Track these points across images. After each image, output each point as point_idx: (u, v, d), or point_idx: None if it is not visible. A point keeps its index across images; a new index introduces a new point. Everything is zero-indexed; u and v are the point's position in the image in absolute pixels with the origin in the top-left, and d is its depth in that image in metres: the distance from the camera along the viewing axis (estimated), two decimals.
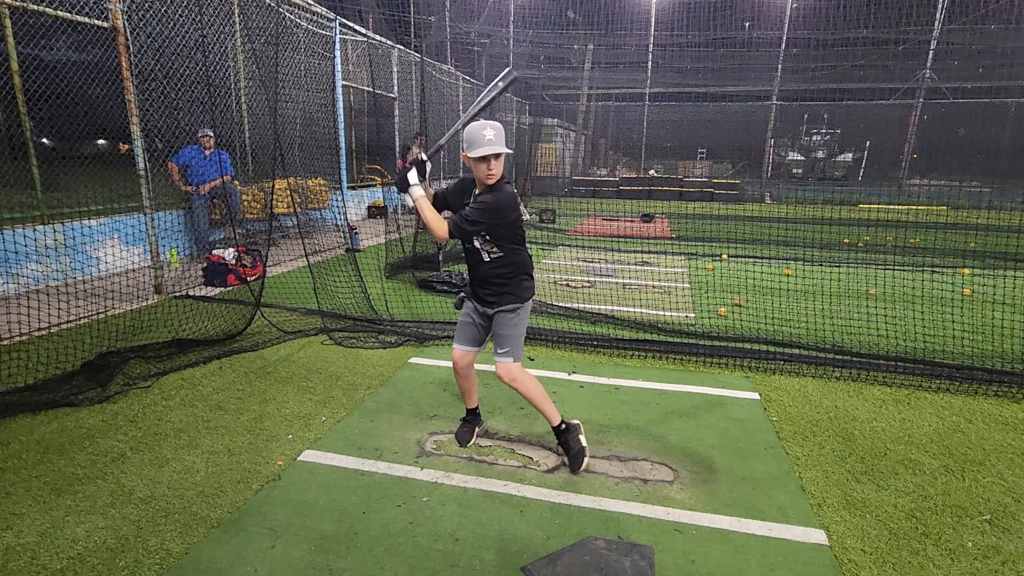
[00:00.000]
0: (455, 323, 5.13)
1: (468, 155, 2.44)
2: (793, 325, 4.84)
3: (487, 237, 2.56)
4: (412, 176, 2.56)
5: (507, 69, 2.72)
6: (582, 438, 2.76)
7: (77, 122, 5.81)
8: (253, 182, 8.50)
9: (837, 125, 21.90)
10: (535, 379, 2.74)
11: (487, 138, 2.39)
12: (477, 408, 3.04)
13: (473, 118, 2.54)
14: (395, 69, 12.11)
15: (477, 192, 2.57)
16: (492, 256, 2.60)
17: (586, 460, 2.71)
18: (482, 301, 2.70)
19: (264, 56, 5.85)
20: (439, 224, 2.50)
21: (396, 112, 12.36)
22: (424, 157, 2.60)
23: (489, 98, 2.64)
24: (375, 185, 12.57)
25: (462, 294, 2.88)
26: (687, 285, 6.61)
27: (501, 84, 2.66)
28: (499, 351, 2.67)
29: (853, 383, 3.78)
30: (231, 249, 6.33)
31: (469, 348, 2.80)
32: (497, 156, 2.43)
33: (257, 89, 8.15)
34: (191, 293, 5.76)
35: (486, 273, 2.64)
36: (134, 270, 6.30)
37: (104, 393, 3.40)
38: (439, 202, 2.67)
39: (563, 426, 2.75)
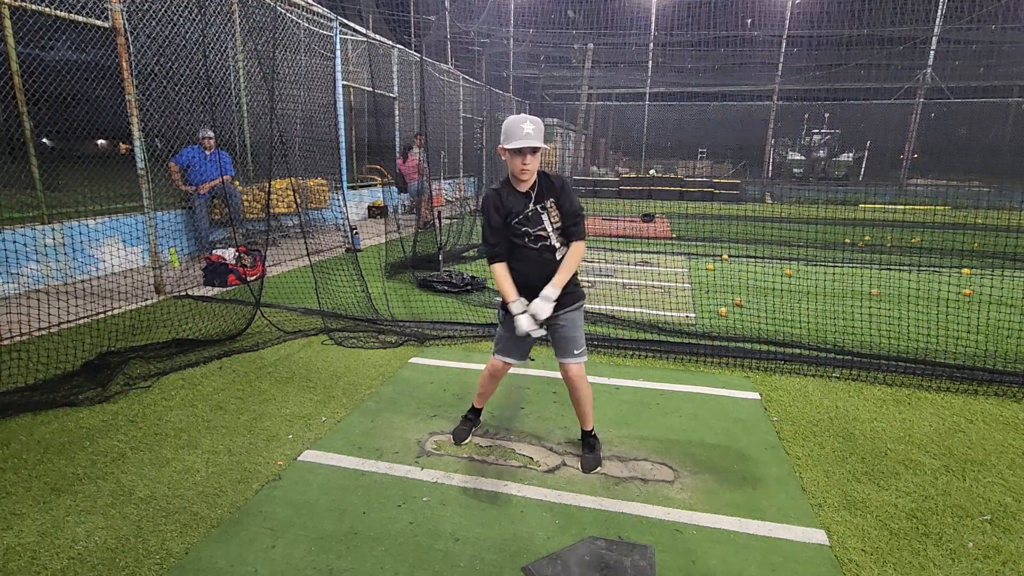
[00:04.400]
0: (455, 323, 5.08)
1: (504, 147, 2.42)
2: (793, 325, 4.84)
3: (560, 229, 2.56)
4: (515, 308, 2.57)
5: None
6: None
7: (77, 122, 5.81)
8: (253, 182, 8.50)
9: (838, 125, 21.93)
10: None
11: (525, 131, 2.36)
12: (482, 409, 3.04)
13: None
14: (395, 69, 12.10)
15: (519, 189, 2.51)
16: (561, 247, 2.59)
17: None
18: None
19: (264, 56, 5.85)
20: (571, 261, 2.61)
21: (396, 112, 12.36)
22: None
23: None
24: (375, 185, 12.57)
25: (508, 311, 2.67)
26: (687, 285, 6.61)
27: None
28: (576, 352, 2.67)
29: (853, 383, 3.78)
30: (231, 249, 6.33)
31: (518, 361, 2.80)
32: (534, 151, 2.40)
33: (257, 89, 8.15)
34: (191, 293, 5.76)
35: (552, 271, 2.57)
36: (134, 270, 6.30)
37: (104, 393, 3.40)
38: (502, 239, 2.56)
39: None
